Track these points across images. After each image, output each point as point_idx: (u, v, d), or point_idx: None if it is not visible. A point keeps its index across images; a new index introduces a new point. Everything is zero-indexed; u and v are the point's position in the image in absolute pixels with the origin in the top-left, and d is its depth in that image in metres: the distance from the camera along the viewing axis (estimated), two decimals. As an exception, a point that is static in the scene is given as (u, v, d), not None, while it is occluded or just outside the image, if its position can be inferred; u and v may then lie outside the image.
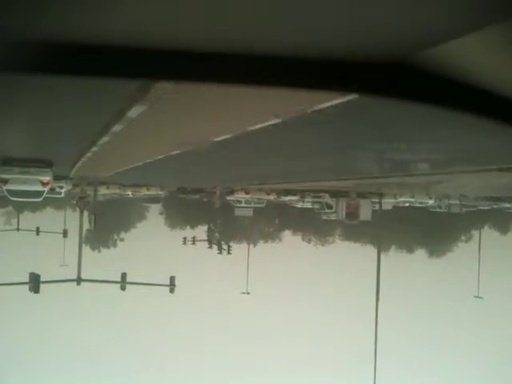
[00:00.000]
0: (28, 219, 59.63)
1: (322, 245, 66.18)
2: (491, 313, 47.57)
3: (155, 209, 69.25)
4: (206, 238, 55.71)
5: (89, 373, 40.26)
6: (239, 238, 62.52)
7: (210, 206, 62.03)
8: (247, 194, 39.05)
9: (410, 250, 64.57)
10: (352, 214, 34.97)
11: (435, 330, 48.72)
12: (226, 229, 66.27)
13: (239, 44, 2.30)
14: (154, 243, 58.08)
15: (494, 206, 45.29)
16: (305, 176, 22.97)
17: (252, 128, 9.14)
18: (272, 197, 41.02)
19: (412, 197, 38.82)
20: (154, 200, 54.57)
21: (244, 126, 9.17)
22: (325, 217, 40.61)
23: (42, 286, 28.44)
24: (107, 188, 38.79)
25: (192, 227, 69.37)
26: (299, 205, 42.73)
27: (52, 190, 25.45)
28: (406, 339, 44.02)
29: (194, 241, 55.61)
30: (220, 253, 50.52)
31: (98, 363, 41.49)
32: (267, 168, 18.23)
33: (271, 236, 67.33)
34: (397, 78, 2.18)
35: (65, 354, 42.76)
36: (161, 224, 69.84)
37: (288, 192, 39.24)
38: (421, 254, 64.91)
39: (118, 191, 43.30)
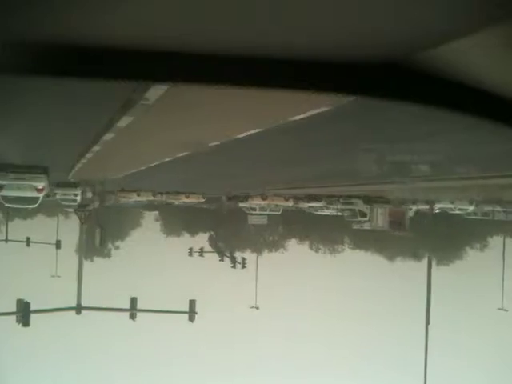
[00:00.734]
0: (18, 228, 55.32)
1: (331, 253, 61.67)
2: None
3: (150, 216, 65.42)
4: (214, 249, 50.18)
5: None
6: (243, 246, 58.53)
7: (209, 213, 58.27)
8: (264, 200, 34.38)
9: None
10: (397, 223, 30.23)
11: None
12: (229, 237, 62.42)
13: (238, 46, 2.24)
14: (153, 253, 53.28)
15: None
16: (339, 178, 21.53)
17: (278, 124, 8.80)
18: (290, 203, 36.35)
19: (451, 202, 33.97)
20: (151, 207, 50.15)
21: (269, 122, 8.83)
22: (357, 226, 35.71)
23: (33, 317, 23.25)
24: (138, 195, 34.53)
25: (192, 235, 65.72)
26: (325, 212, 37.73)
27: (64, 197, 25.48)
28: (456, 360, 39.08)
29: (201, 252, 50.20)
30: (233, 266, 44.66)
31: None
32: (297, 171, 17.58)
33: (276, 245, 62.79)
34: (396, 80, 2.16)
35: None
36: (157, 232, 66.04)
37: (311, 198, 34.50)
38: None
39: (151, 198, 38.63)
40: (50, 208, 51.35)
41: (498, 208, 36.22)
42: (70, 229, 56.42)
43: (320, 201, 34.95)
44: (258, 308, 45.20)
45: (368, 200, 31.87)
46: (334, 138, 10.33)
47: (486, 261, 51.69)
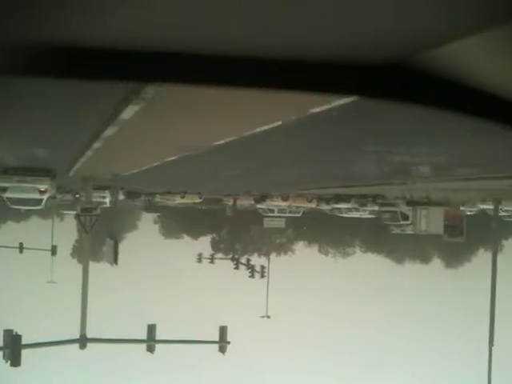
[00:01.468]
0: (11, 231, 52.11)
1: (342, 257, 57.93)
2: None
3: (149, 217, 61.77)
4: (229, 256, 45.37)
5: None
6: (250, 250, 54.73)
7: (211, 214, 54.56)
8: (285, 200, 30.24)
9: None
10: (454, 227, 26.07)
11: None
12: (233, 240, 58.80)
13: (238, 46, 2.22)
14: (156, 259, 49.04)
15: None
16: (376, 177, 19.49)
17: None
18: (313, 204, 32.22)
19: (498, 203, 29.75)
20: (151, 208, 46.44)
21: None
22: (397, 230, 31.45)
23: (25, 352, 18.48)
24: (182, 197, 30.58)
25: (194, 238, 62.38)
26: (354, 214, 33.48)
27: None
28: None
29: (212, 259, 45.59)
30: (252, 276, 39.60)
31: None
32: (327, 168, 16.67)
33: (284, 248, 58.91)
34: (397, 80, 2.15)
35: None
36: (157, 234, 62.35)
37: (339, 198, 30.31)
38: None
39: (197, 200, 35.50)
40: (44, 210, 50.31)
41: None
42: (65, 232, 53.80)
43: (349, 201, 30.79)
44: (269, 317, 40.87)
45: (410, 201, 27.71)
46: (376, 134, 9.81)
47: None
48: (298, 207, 32.62)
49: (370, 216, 34.20)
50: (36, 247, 44.20)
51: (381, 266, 50.25)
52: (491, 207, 30.28)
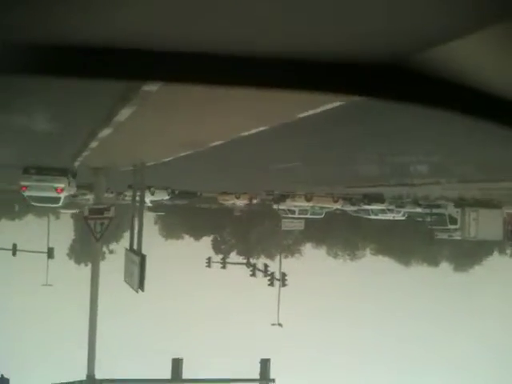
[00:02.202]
0: (4, 230, 48.76)
1: (351, 259, 54.73)
2: None
3: (150, 217, 58.44)
4: (241, 259, 41.41)
5: None
6: (256, 252, 51.48)
7: (213, 214, 51.62)
8: (309, 201, 26.85)
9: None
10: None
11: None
12: (236, 240, 55.71)
13: (238, 46, 2.21)
14: (159, 259, 45.35)
15: None
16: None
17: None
18: (339, 205, 28.82)
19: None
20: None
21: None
22: (443, 235, 27.89)
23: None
24: (237, 198, 26.82)
25: (196, 239, 59.29)
26: (388, 216, 29.98)
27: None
28: None
29: (224, 263, 41.75)
30: (271, 284, 35.65)
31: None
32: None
33: (291, 249, 55.63)
34: (395, 80, 2.12)
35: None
36: (157, 235, 59.15)
37: (372, 199, 26.85)
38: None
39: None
40: (40, 208, 47.63)
41: None
42: (61, 231, 50.57)
43: (383, 202, 27.33)
44: (280, 325, 37.29)
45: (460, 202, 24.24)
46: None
47: None
48: (321, 208, 29.23)
49: (401, 218, 30.73)
50: (31, 248, 40.47)
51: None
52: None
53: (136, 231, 16.72)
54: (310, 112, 8.00)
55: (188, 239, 59.05)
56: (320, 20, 2.10)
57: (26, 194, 21.52)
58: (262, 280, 37.00)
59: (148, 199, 26.80)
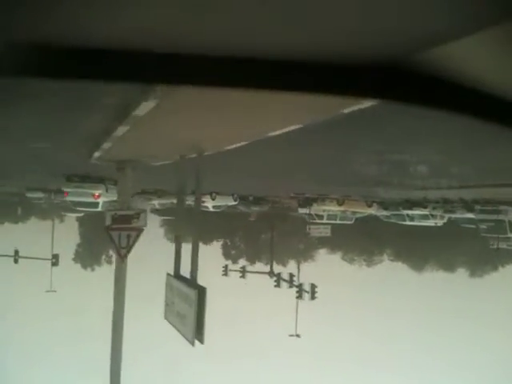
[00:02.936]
0: (7, 233, 45.50)
1: (368, 265, 52.11)
2: None
3: (154, 221, 56.00)
4: (266, 270, 38.23)
5: None
6: (265, 257, 49.00)
7: (224, 217, 49.44)
8: (340, 205, 24.06)
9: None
10: None
11: None
12: (247, 245, 53.48)
13: (238, 48, 2.17)
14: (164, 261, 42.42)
15: None
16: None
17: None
18: (373, 210, 26.02)
19: None
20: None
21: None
22: (502, 245, 24.93)
23: None
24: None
25: (205, 243, 57.20)
26: (429, 222, 27.06)
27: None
28: None
29: (243, 272, 38.54)
30: (300, 297, 32.48)
31: None
32: None
33: (303, 255, 52.86)
34: (395, 81, 2.11)
35: None
36: (162, 238, 56.92)
37: (414, 203, 24.03)
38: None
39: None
40: (43, 210, 46.50)
41: None
42: (66, 234, 48.50)
43: (426, 207, 24.48)
44: (298, 336, 34.24)
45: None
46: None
47: None
48: (353, 213, 26.41)
49: (439, 223, 27.71)
50: (35, 253, 37.84)
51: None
52: None
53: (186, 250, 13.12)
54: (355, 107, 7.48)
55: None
56: (319, 21, 2.07)
57: (68, 198, 24.35)
58: (286, 291, 33.93)
59: (210, 204, 25.78)
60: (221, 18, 2.09)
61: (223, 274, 37.98)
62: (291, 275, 34.85)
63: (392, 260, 50.91)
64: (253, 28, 2.16)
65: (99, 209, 24.35)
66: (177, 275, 12.56)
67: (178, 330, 11.84)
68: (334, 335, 33.78)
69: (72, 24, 2.11)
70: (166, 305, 12.43)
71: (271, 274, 36.66)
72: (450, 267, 44.41)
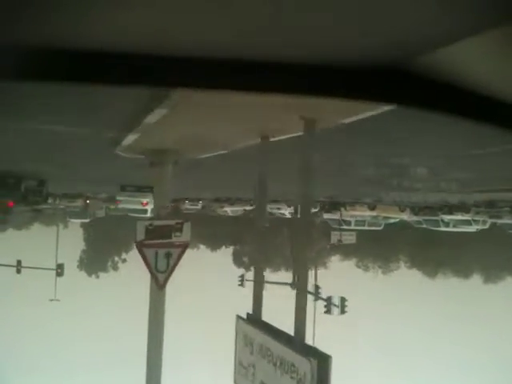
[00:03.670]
0: (10, 239, 44.29)
1: (384, 273, 50.26)
2: None
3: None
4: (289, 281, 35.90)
5: None
6: (276, 264, 47.05)
7: (231, 222, 47.82)
8: (372, 210, 22.07)
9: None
10: None
11: None
12: (257, 251, 51.58)
13: (239, 51, 2.16)
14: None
15: None
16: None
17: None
18: (406, 215, 23.97)
19: None
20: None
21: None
22: None
23: None
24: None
25: (213, 249, 55.85)
26: (470, 228, 24.89)
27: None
28: None
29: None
30: (328, 311, 30.03)
31: None
32: None
33: (315, 262, 50.80)
34: (396, 84, 2.11)
35: None
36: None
37: (454, 207, 21.89)
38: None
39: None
40: (48, 216, 45.85)
41: None
42: (70, 240, 46.98)
43: (468, 212, 22.31)
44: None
45: None
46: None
47: None
48: (384, 218, 24.36)
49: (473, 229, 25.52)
50: (38, 261, 36.08)
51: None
52: None
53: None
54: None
55: (204, 249, 55.45)
56: (320, 24, 2.05)
57: (120, 206, 27.29)
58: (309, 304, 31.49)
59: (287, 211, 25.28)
60: (224, 21, 2.05)
61: (239, 285, 35.69)
62: (317, 287, 32.35)
63: (409, 267, 49.00)
64: (254, 31, 2.10)
65: (148, 215, 25.56)
66: (257, 321, 8.08)
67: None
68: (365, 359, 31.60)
69: (74, 26, 2.06)
70: (240, 365, 8.23)
71: (293, 284, 34.24)
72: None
